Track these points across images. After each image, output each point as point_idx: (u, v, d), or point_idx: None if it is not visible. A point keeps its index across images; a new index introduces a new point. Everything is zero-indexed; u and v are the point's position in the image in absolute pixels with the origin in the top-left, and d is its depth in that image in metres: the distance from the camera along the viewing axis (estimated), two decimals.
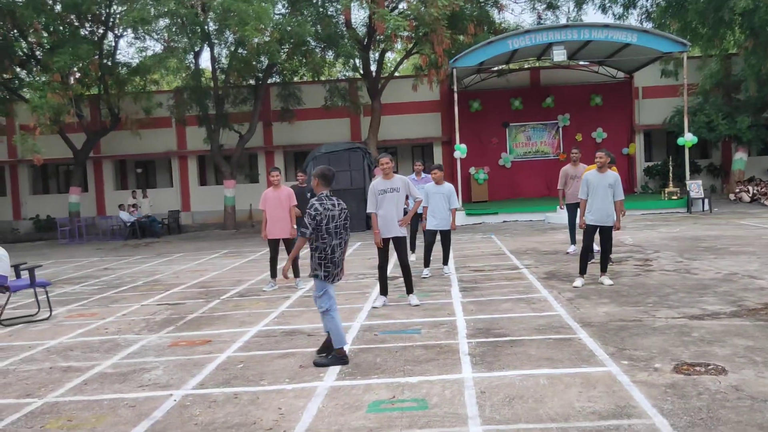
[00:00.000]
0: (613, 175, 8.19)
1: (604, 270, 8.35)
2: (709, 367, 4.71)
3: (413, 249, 11.31)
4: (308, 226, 5.33)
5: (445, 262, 9.78)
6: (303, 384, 4.87)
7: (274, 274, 9.38)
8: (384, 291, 7.65)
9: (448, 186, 9.37)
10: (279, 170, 9.70)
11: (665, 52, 19.58)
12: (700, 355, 5.01)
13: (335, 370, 5.16)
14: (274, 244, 9.43)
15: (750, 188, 20.84)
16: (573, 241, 11.19)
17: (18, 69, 22.44)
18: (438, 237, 9.59)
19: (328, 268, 5.39)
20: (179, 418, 4.32)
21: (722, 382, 4.39)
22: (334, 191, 5.70)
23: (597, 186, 8.08)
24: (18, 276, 8.35)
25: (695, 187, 18.48)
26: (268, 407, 4.43)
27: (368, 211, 7.48)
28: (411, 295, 7.64)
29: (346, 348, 5.49)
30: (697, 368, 4.70)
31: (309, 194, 11.22)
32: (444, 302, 7.65)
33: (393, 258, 8.40)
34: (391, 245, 7.49)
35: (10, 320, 8.00)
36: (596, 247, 10.05)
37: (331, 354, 5.40)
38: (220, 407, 4.48)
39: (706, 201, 18.31)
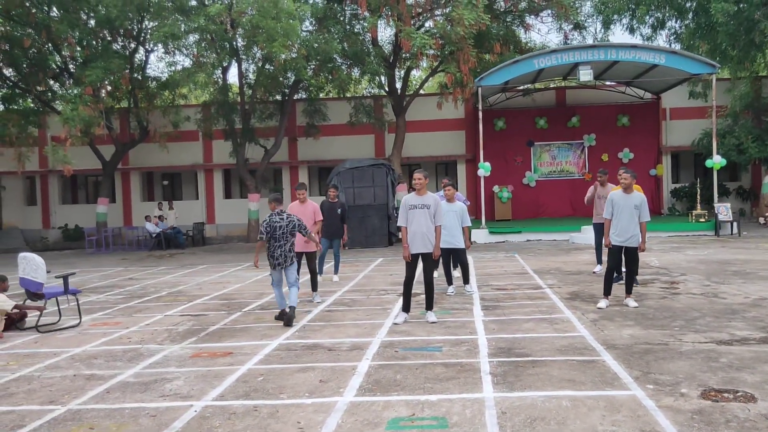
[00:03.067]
0: (639, 196, 8.11)
1: (629, 292, 8.23)
2: (738, 394, 4.59)
3: (436, 266, 11.25)
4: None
5: (466, 281, 9.71)
6: (322, 399, 4.86)
7: None
8: (407, 307, 7.61)
9: (460, 204, 9.46)
10: (305, 186, 9.82)
11: (694, 74, 19.40)
12: (728, 382, 4.89)
13: (355, 385, 5.14)
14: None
15: None
16: (599, 261, 11.07)
17: (51, 82, 22.97)
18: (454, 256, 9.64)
19: (270, 260, 7.74)
20: (199, 429, 4.32)
21: (751, 410, 4.27)
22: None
23: (623, 207, 8.01)
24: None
25: (723, 209, 18.18)
26: (287, 421, 4.41)
27: (398, 224, 7.61)
28: (429, 312, 7.60)
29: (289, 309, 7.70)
30: (725, 395, 4.59)
31: (339, 210, 11.30)
32: (465, 320, 7.59)
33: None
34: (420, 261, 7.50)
35: (44, 326, 8.11)
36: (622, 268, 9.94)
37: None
38: (240, 419, 4.48)
39: (735, 224, 17.99)
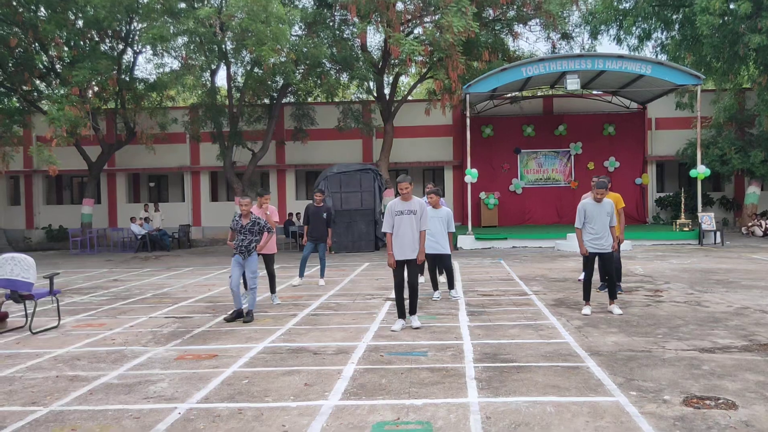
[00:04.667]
0: (609, 202, 8.22)
1: (613, 298, 8.29)
2: (719, 402, 4.65)
3: (422, 271, 11.25)
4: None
5: (451, 286, 9.72)
6: (307, 402, 4.85)
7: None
8: (402, 313, 7.53)
9: (445, 210, 9.49)
10: (267, 195, 10.23)
11: (679, 85, 19.63)
12: (710, 389, 4.94)
13: (340, 389, 5.14)
14: None
15: (762, 222, 20.72)
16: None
17: (37, 81, 22.78)
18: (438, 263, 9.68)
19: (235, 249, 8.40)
20: None
21: (732, 417, 4.33)
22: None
23: (596, 215, 8.11)
24: None
25: (707, 219, 18.38)
26: (272, 424, 4.40)
27: (383, 230, 7.52)
28: (413, 316, 7.57)
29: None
30: (707, 402, 4.64)
31: (325, 214, 11.32)
32: (451, 325, 7.61)
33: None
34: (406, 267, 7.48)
35: (17, 329, 8.02)
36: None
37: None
38: (224, 422, 4.46)
39: (718, 234, 18.20)
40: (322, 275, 11.80)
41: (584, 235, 8.24)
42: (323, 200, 11.74)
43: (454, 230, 9.68)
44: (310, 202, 11.78)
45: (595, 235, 8.13)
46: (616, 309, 8.12)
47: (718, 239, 18.11)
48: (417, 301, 7.66)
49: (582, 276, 11.03)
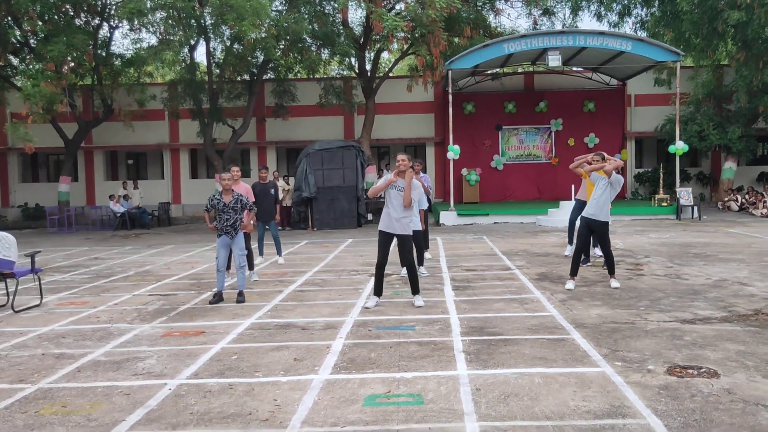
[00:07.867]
0: (615, 175, 8.40)
1: (611, 273, 8.38)
2: (702, 370, 4.76)
3: (427, 246, 10.73)
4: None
5: (420, 263, 9.56)
6: (298, 377, 4.88)
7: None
8: (378, 291, 7.46)
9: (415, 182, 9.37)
10: (238, 168, 9.88)
11: (659, 61, 19.75)
12: (692, 359, 5.06)
13: (330, 363, 5.17)
14: None
15: (738, 197, 21.06)
16: (570, 242, 11.18)
17: (11, 57, 22.22)
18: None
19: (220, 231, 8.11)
20: (174, 407, 4.31)
21: (714, 385, 4.44)
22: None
23: (598, 180, 8.32)
24: None
25: (685, 194, 18.63)
26: (264, 398, 4.43)
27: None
28: (417, 296, 7.43)
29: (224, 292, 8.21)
30: (690, 371, 4.76)
31: (272, 190, 11.17)
32: (437, 300, 7.67)
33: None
34: (395, 243, 7.42)
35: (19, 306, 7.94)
36: (597, 251, 10.13)
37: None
38: (216, 397, 4.48)
39: (695, 209, 18.47)
40: (279, 253, 11.68)
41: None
42: (267, 176, 11.45)
43: (425, 208, 9.50)
44: (256, 180, 11.40)
45: (591, 200, 8.27)
46: (614, 282, 8.24)
47: (696, 214, 18.39)
48: (417, 279, 7.51)
49: (568, 251, 11.20)
